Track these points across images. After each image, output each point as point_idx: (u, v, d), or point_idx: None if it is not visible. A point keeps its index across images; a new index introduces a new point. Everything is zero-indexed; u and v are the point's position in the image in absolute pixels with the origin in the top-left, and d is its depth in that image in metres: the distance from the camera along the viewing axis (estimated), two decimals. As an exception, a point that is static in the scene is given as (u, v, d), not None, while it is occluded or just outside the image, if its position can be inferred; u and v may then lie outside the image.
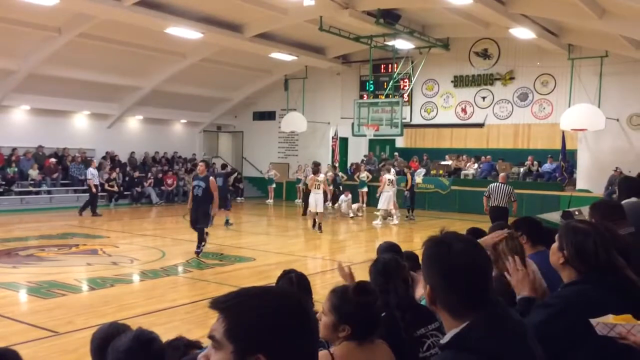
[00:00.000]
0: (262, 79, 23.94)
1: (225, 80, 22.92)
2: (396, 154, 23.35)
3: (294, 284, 3.28)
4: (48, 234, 13.64)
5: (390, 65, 21.39)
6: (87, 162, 21.07)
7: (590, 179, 18.71)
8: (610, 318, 2.03)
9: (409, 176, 18.23)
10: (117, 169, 21.11)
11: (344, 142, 24.17)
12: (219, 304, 1.22)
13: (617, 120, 18.37)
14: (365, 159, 23.57)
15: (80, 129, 22.02)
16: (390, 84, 20.66)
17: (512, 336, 1.61)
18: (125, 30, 16.85)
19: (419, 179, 20.33)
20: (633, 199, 4.56)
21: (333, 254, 12.96)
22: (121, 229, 15.50)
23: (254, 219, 19.00)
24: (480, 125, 21.35)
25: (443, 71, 21.59)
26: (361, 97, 22.40)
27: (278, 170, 23.73)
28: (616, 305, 2.08)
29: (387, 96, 20.51)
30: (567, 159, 19.23)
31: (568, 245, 2.31)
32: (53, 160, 20.10)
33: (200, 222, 11.06)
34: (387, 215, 17.28)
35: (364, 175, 20.45)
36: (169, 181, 22.31)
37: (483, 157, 21.53)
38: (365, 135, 20.44)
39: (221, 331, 1.19)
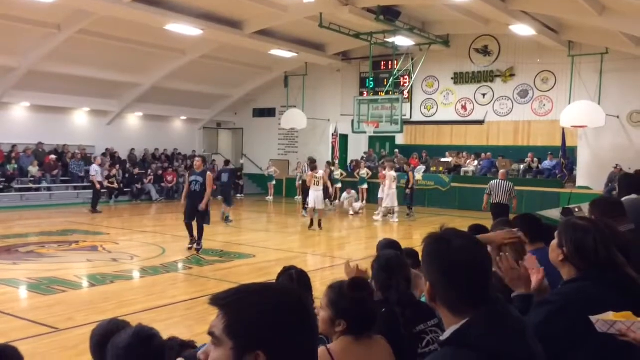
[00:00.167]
0: (262, 75, 23.92)
1: (225, 77, 22.90)
2: (396, 151, 23.36)
3: (294, 281, 3.28)
4: (48, 231, 13.65)
5: (390, 62, 21.38)
6: (87, 159, 21.12)
7: (590, 176, 18.71)
8: (610, 315, 2.03)
9: (411, 175, 18.24)
10: (117, 166, 21.11)
11: (344, 139, 24.18)
12: (218, 300, 1.22)
13: (618, 117, 18.36)
14: (365, 156, 23.58)
15: (80, 125, 22.01)
16: (390, 80, 20.65)
17: (512, 333, 1.61)
18: (124, 27, 16.82)
19: (418, 175, 20.35)
20: (633, 196, 4.56)
21: (333, 251, 12.96)
22: (121, 225, 15.51)
23: (253, 215, 19.01)
24: (481, 122, 21.33)
25: (443, 68, 21.57)
26: (361, 94, 22.38)
27: (278, 167, 23.73)
28: (616, 302, 2.08)
29: (387, 93, 20.51)
30: (567, 156, 19.24)
31: (568, 242, 2.31)
32: (53, 157, 20.10)
33: (199, 218, 11.02)
34: (388, 212, 17.30)
35: (364, 172, 20.46)
36: (169, 178, 22.31)
37: (483, 154, 21.54)
38: (365, 132, 20.43)
39: (221, 327, 1.20)
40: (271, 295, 1.25)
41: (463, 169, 21.42)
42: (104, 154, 21.38)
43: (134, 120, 23.87)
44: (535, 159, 20.50)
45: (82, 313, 6.96)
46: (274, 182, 23.42)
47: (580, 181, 19.05)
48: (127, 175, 21.57)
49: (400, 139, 24.40)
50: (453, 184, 20.63)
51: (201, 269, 9.95)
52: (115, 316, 3.07)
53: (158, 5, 15.50)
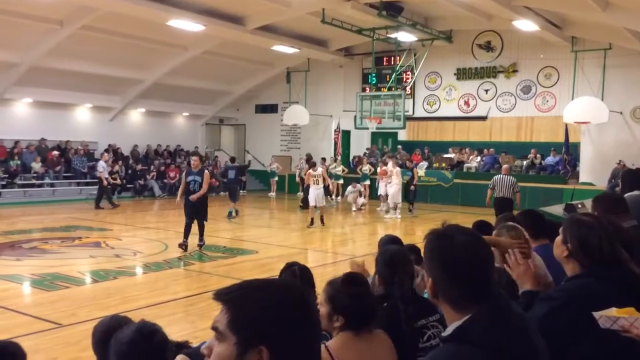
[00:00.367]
0: (264, 71, 23.90)
1: (228, 73, 22.89)
2: (399, 147, 23.34)
3: (297, 277, 3.29)
4: (51, 227, 13.68)
5: (392, 58, 21.34)
6: (89, 155, 21.17)
7: (593, 171, 18.68)
8: (613, 311, 2.03)
9: (415, 171, 18.23)
10: (120, 162, 21.13)
11: (346, 135, 24.17)
12: (222, 295, 1.23)
13: (621, 113, 18.30)
14: (367, 152, 23.56)
15: (82, 121, 22.03)
16: (393, 76, 20.62)
17: (514, 329, 1.61)
18: (127, 23, 16.81)
19: (421, 172, 20.35)
20: (636, 192, 4.55)
21: (335, 247, 12.98)
22: (124, 221, 15.53)
23: (256, 211, 19.02)
24: (483, 118, 21.29)
25: (446, 64, 21.52)
26: (364, 89, 22.34)
27: (280, 163, 23.73)
28: (619, 298, 2.08)
29: (389, 89, 20.48)
30: (570, 151, 19.21)
31: (572, 239, 2.31)
32: (56, 153, 20.13)
33: (200, 216, 10.95)
34: (391, 208, 17.30)
35: (366, 168, 20.44)
36: (172, 174, 22.32)
37: (486, 150, 21.52)
38: (367, 128, 20.42)
39: (224, 322, 1.20)
40: (274, 290, 1.25)
41: (466, 165, 21.40)
42: (106, 150, 21.39)
43: (136, 116, 23.88)
44: (538, 155, 20.47)
45: (85, 309, 6.99)
46: (276, 178, 23.44)
47: (583, 177, 19.02)
48: (129, 172, 21.60)
49: (402, 135, 24.38)
50: (456, 180, 20.61)
51: (204, 265, 9.97)
52: (118, 312, 3.08)
53: (160, 1, 15.48)
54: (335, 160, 21.75)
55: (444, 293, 1.67)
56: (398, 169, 16.89)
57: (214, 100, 25.25)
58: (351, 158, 24.11)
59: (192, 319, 6.71)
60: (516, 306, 1.78)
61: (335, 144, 23.43)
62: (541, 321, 2.07)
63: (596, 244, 2.24)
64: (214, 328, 1.22)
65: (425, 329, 2.81)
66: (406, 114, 19.88)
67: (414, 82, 21.96)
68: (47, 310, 6.94)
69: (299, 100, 23.70)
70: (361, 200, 18.95)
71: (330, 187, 17.83)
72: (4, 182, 18.38)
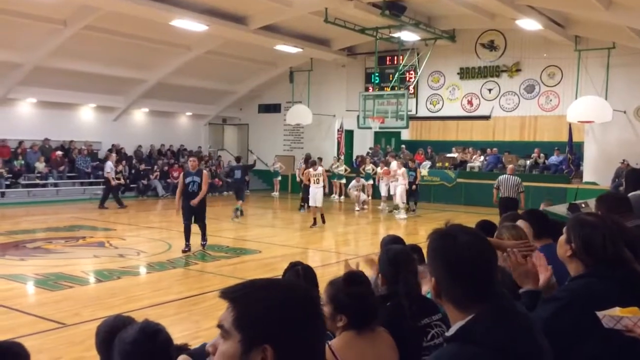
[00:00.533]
0: (267, 71, 23.91)
1: (230, 72, 22.91)
2: (403, 146, 23.31)
3: (301, 277, 3.29)
4: (55, 227, 13.71)
5: (395, 57, 21.32)
6: (93, 155, 21.22)
7: (597, 171, 18.63)
8: (616, 311, 2.02)
9: (419, 171, 18.23)
10: (124, 162, 21.17)
11: (349, 134, 24.16)
12: (228, 293, 1.24)
13: (624, 112, 18.26)
14: (370, 152, 23.55)
15: (86, 121, 22.08)
16: (396, 76, 20.60)
17: (518, 329, 1.61)
18: (130, 23, 16.85)
19: (424, 171, 20.34)
20: (640, 192, 4.54)
21: (338, 247, 12.98)
22: (127, 221, 15.55)
23: (259, 211, 19.02)
24: (487, 118, 21.26)
25: (449, 63, 21.50)
26: (366, 89, 22.34)
27: (283, 162, 23.74)
28: (623, 298, 2.08)
29: (392, 88, 20.46)
30: (573, 151, 19.16)
31: (576, 238, 2.31)
32: (59, 152, 20.17)
33: (200, 217, 10.89)
34: (394, 207, 17.30)
35: (369, 167, 20.43)
36: (175, 174, 22.30)
37: (489, 150, 21.48)
38: (370, 128, 20.39)
39: (230, 320, 1.21)
40: (279, 290, 1.26)
41: (469, 165, 21.37)
42: (110, 150, 21.44)
43: (140, 116, 23.92)
44: (542, 155, 20.42)
45: (89, 309, 7.00)
46: (279, 178, 23.45)
47: (587, 177, 18.98)
48: (133, 171, 21.63)
49: (405, 135, 24.36)
50: (459, 180, 20.58)
51: (207, 264, 9.97)
52: (122, 312, 3.09)
53: (163, 1, 15.51)
54: (338, 160, 21.76)
55: (448, 293, 1.67)
56: (404, 169, 16.85)
57: (217, 100, 25.27)
58: (354, 158, 24.10)
59: (195, 319, 6.71)
60: (520, 306, 1.77)
61: (339, 143, 23.43)
62: (545, 321, 2.07)
63: (600, 244, 2.24)
64: (220, 326, 1.23)
65: (429, 328, 2.82)
66: (409, 113, 19.86)
67: (417, 82, 21.94)
68: (51, 310, 6.96)
69: (302, 99, 23.70)
70: (363, 196, 18.95)
71: (334, 188, 17.80)
72: (8, 182, 18.42)
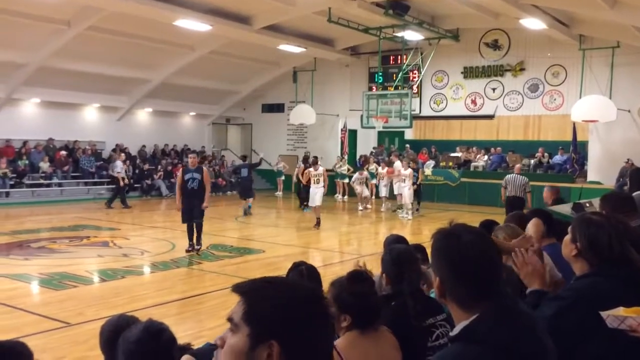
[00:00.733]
0: (270, 71, 23.92)
1: (234, 72, 22.92)
2: (407, 146, 23.28)
3: (304, 276, 3.28)
4: (59, 226, 13.74)
5: (399, 57, 21.30)
6: (97, 155, 21.26)
7: (601, 170, 18.58)
8: (620, 311, 2.02)
9: (421, 171, 18.21)
10: (127, 162, 21.20)
11: (352, 134, 24.14)
12: (240, 287, 1.26)
13: (629, 111, 18.20)
14: (374, 151, 23.53)
15: (90, 121, 22.13)
16: (400, 75, 20.58)
17: (522, 328, 1.60)
18: (133, 23, 16.87)
19: (428, 171, 20.31)
20: (644, 191, 4.52)
21: (342, 246, 12.97)
22: (131, 221, 15.58)
23: (263, 211, 19.01)
24: (490, 117, 21.23)
25: (452, 62, 21.47)
26: (370, 89, 22.32)
27: (287, 162, 23.73)
28: (628, 297, 2.07)
29: (396, 88, 20.44)
30: (578, 150, 19.11)
31: (581, 237, 2.30)
32: (64, 152, 20.23)
33: (198, 216, 10.70)
34: (398, 207, 17.28)
35: (372, 167, 20.41)
36: (179, 174, 22.35)
37: (493, 149, 21.43)
38: (374, 127, 20.40)
39: (240, 314, 1.23)
40: (290, 289, 1.28)
41: (473, 164, 21.33)
42: (114, 150, 21.49)
43: (143, 116, 23.96)
44: (546, 154, 20.36)
45: (93, 308, 7.01)
46: (283, 178, 23.45)
47: (591, 176, 18.92)
48: (137, 171, 21.67)
49: (409, 134, 24.31)
50: (463, 179, 20.54)
51: (211, 264, 9.98)
52: (126, 311, 3.09)
53: (167, 1, 15.52)
54: (342, 160, 21.76)
55: (452, 292, 1.67)
56: (411, 170, 16.77)
57: (220, 100, 25.29)
58: (358, 157, 24.07)
59: (199, 318, 6.72)
60: (524, 305, 1.77)
61: (342, 143, 23.42)
62: (549, 320, 2.07)
63: (606, 243, 2.23)
64: (230, 319, 1.25)
65: (434, 328, 2.82)
66: (413, 112, 19.84)
67: (421, 81, 21.91)
68: (55, 309, 6.98)
69: (306, 99, 23.69)
70: (366, 191, 18.94)
71: (338, 189, 17.79)
72: (12, 182, 18.48)
